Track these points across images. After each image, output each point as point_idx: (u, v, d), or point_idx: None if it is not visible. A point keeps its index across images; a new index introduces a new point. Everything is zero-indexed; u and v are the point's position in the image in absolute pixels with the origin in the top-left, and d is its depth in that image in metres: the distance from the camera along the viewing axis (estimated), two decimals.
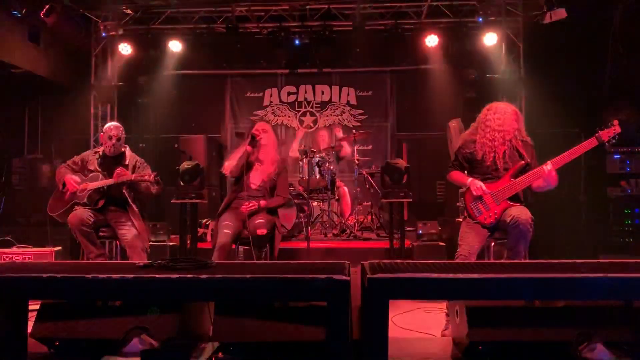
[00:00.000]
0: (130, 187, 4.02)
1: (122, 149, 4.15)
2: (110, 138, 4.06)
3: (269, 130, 4.24)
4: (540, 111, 6.41)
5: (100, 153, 4.15)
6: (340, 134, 7.46)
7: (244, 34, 7.35)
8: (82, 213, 3.89)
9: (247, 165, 4.10)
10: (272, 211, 4.11)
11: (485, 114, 3.52)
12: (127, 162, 4.10)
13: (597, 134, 3.27)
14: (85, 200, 3.98)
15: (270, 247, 4.02)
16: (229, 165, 4.16)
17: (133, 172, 4.03)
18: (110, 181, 3.94)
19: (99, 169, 4.06)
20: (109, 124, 4.17)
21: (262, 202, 4.02)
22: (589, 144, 3.27)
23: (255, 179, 4.14)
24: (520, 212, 3.25)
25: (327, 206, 6.70)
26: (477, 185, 3.41)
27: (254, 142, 4.11)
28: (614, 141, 3.26)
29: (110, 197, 4.04)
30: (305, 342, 2.47)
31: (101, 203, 4.00)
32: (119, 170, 3.93)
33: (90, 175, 4.06)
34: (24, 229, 6.17)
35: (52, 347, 2.65)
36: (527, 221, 3.20)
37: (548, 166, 3.28)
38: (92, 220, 3.88)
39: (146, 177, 3.92)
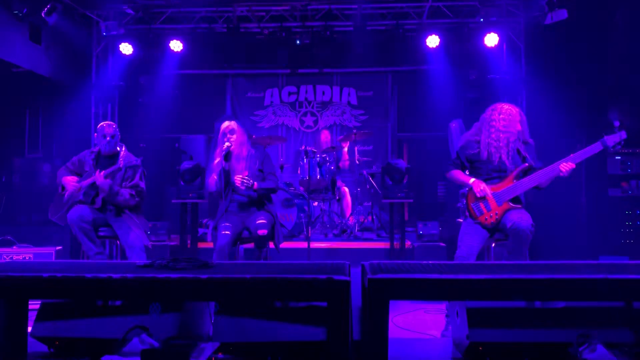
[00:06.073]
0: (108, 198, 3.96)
1: (118, 148, 4.14)
2: (104, 136, 4.05)
3: (235, 127, 4.10)
4: (541, 112, 6.40)
5: (96, 152, 4.16)
6: (328, 137, 7.28)
7: (244, 34, 7.35)
8: (81, 209, 3.91)
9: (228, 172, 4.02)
10: (271, 210, 4.10)
11: (491, 114, 3.49)
12: (120, 163, 4.00)
13: (602, 139, 3.26)
14: (82, 197, 3.99)
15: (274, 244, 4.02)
16: (212, 181, 4.06)
17: (124, 174, 4.00)
18: (94, 178, 3.90)
19: (94, 168, 4.06)
20: (102, 123, 4.17)
21: (255, 184, 3.97)
22: (594, 148, 3.26)
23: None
24: (520, 218, 3.24)
25: (328, 206, 6.71)
26: (481, 187, 3.39)
27: (228, 156, 3.99)
28: (618, 147, 3.25)
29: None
30: (305, 342, 2.47)
31: (98, 200, 4.00)
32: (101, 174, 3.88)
33: (85, 174, 4.07)
34: (25, 228, 6.17)
35: (52, 347, 2.65)
36: (528, 228, 3.19)
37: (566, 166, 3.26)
38: (91, 217, 3.90)
39: (118, 190, 3.92)
